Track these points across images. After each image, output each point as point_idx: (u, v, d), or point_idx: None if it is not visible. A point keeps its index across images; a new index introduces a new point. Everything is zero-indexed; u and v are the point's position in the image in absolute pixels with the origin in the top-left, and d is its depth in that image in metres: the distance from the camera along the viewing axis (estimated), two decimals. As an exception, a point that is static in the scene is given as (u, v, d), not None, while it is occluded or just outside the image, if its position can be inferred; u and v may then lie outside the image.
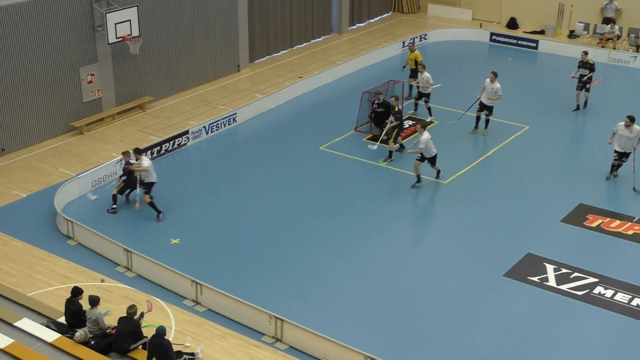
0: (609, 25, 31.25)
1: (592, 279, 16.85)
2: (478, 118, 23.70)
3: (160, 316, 15.29)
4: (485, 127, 23.69)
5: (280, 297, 16.08)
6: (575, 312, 15.89)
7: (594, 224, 19.03)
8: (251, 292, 15.93)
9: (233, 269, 17.12)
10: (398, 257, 17.94)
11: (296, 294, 16.30)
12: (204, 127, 23.47)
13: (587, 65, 25.08)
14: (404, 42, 31.28)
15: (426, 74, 24.27)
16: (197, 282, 15.84)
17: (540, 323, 15.55)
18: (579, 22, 32.40)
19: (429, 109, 24.72)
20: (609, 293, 16.40)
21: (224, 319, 15.44)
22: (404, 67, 26.27)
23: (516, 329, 15.37)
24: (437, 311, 15.87)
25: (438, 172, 20.98)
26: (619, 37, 31.16)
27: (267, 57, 29.91)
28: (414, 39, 26.45)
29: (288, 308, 15.46)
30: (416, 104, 25.16)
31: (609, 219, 19.22)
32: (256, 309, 15.07)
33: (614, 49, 30.73)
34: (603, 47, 30.94)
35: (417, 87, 24.83)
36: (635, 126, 20.32)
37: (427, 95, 24.58)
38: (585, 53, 25.40)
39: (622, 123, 20.52)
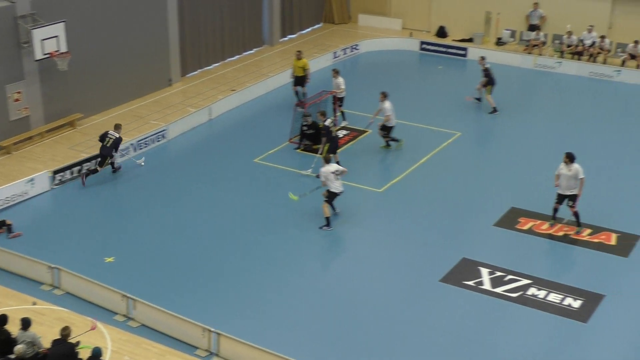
0: (534, 32, 31.97)
1: (525, 281, 17.12)
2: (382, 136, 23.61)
3: (95, 336, 14.94)
4: (390, 144, 23.47)
5: (219, 311, 15.92)
6: (511, 314, 16.12)
7: (526, 227, 19.36)
8: (190, 308, 15.69)
9: (171, 285, 16.88)
10: (335, 266, 17.98)
11: (235, 307, 16.17)
12: (132, 144, 22.97)
13: (482, 70, 26.31)
14: (335, 53, 31.49)
15: (340, 79, 24.45)
16: (128, 297, 15.59)
17: (477, 326, 15.73)
18: (506, 30, 33.05)
19: (342, 113, 24.96)
20: (542, 294, 16.70)
21: (161, 335, 15.19)
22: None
23: (454, 333, 15.50)
24: (375, 319, 15.91)
25: (327, 220, 19.12)
26: (544, 43, 31.90)
27: (199, 70, 29.72)
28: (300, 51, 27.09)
29: (227, 321, 15.29)
30: (340, 112, 25.21)
31: (539, 221, 19.57)
32: (190, 323, 14.88)
33: (540, 55, 31.43)
34: (529, 53, 31.61)
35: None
36: (575, 165, 18.54)
37: (341, 100, 24.78)
38: (482, 58, 26.59)
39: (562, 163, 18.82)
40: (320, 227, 19.21)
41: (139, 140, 23.20)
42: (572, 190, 18.72)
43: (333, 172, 18.88)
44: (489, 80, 26.23)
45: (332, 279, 17.37)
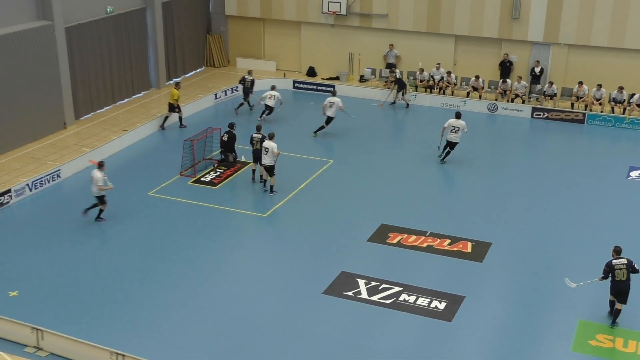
0: (391, 70, 32.95)
1: (397, 288, 17.50)
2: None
3: (4, 368, 14.29)
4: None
5: (124, 335, 15.45)
6: (386, 319, 16.42)
7: (395, 241, 19.82)
8: (96, 334, 15.22)
9: (75, 314, 16.26)
10: (226, 287, 17.74)
11: (138, 331, 15.75)
12: (27, 184, 22.07)
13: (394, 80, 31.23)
14: (216, 95, 31.47)
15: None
16: (37, 329, 14.94)
17: (357, 332, 15.96)
18: (367, 68, 33.92)
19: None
20: (412, 299, 17.11)
21: (68, 362, 14.69)
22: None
23: (337, 339, 15.66)
24: (266, 332, 15.87)
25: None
26: (400, 79, 32.88)
27: (92, 113, 28.93)
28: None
29: (131, 344, 14.89)
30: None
31: (406, 235, 20.09)
32: (97, 347, 14.42)
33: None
34: (389, 88, 32.50)
35: None
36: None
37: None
38: (392, 72, 31.87)
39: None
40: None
41: (34, 181, 22.31)
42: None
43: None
44: (401, 85, 31.00)
45: (224, 298, 17.15)
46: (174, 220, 20.85)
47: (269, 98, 28.41)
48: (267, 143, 22.16)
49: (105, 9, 28.96)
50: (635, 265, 15.85)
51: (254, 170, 23.41)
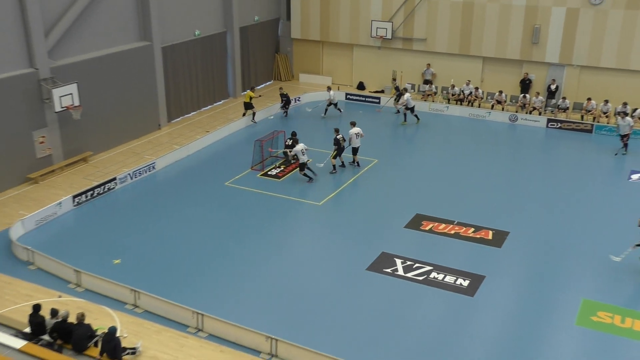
0: (428, 85, 32.71)
1: (428, 267, 17.48)
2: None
3: (107, 320, 14.78)
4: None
5: (205, 298, 15.82)
6: (418, 292, 16.43)
7: (427, 228, 19.76)
8: (183, 297, 15.61)
9: (166, 279, 16.74)
10: (287, 263, 17.98)
11: (216, 295, 16.11)
12: (129, 174, 22.75)
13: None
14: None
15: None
16: (135, 290, 15.45)
17: (394, 302, 16.01)
18: (408, 83, 33.74)
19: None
20: (440, 277, 17.07)
21: (161, 318, 15.10)
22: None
23: (378, 308, 15.74)
24: (320, 300, 16.05)
25: (307, 176, 22.91)
26: (435, 93, 32.65)
27: (181, 117, 29.57)
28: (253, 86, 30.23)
29: (211, 306, 15.25)
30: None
31: (437, 223, 20.01)
32: (182, 308, 14.83)
33: (433, 101, 32.16)
34: (425, 100, 32.30)
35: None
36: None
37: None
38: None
39: None
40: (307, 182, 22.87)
41: (134, 171, 22.97)
42: None
43: (301, 150, 22.54)
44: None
45: (286, 271, 17.36)
46: (246, 206, 21.17)
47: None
48: (357, 129, 23.77)
49: (194, 32, 29.52)
50: None
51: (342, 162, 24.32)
